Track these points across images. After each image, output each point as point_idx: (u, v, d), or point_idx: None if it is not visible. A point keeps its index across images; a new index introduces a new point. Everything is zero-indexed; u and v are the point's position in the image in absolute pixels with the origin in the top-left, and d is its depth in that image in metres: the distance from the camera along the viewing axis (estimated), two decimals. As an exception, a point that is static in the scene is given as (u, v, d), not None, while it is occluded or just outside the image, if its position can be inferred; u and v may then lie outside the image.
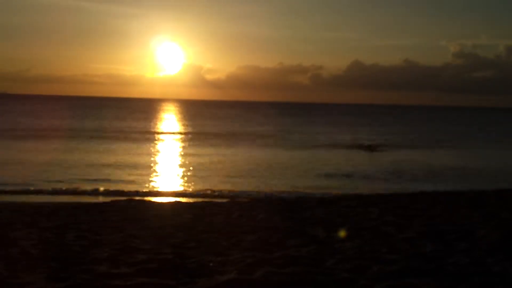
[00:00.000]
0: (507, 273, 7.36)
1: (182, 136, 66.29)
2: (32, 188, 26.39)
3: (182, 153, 46.09)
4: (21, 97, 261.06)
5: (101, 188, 27.09)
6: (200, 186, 28.41)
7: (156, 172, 34.19)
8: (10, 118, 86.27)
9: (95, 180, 29.66)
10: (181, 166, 37.31)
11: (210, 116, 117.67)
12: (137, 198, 21.85)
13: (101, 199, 22.38)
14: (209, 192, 26.68)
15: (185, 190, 27.64)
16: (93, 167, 34.49)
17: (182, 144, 54.97)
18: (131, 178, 30.95)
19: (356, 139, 53.77)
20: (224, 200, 20.26)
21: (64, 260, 8.52)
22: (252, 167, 36.13)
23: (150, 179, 31.07)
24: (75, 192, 26.05)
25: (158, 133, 71.30)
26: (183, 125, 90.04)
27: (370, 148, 41.60)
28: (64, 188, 26.96)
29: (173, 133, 71.84)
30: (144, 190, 27.16)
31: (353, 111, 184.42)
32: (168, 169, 36.14)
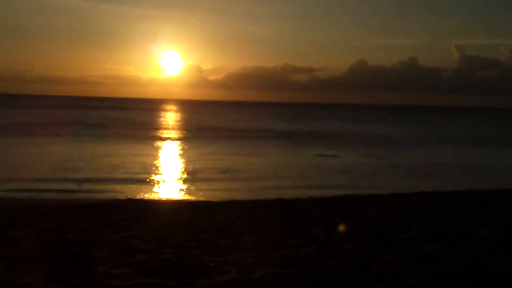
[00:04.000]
0: (507, 273, 7.36)
1: (183, 136, 66.25)
2: (32, 187, 26.38)
3: (182, 153, 46.07)
4: (22, 98, 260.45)
5: (101, 188, 27.09)
6: (200, 186, 28.39)
7: (156, 172, 34.17)
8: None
9: (95, 180, 29.65)
10: (181, 165, 37.30)
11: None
12: (137, 198, 21.84)
13: (101, 199, 22.34)
14: (209, 192, 26.66)
15: (185, 190, 27.63)
16: (93, 167, 34.48)
17: (182, 144, 54.94)
18: (131, 177, 30.93)
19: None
20: (224, 200, 20.24)
21: (64, 260, 8.51)
22: (253, 167, 36.12)
23: (151, 178, 31.05)
24: (74, 191, 26.04)
25: (158, 133, 71.28)
26: (183, 125, 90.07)
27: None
28: (63, 187, 26.95)
29: (174, 133, 71.82)
30: (144, 190, 27.15)
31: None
32: (168, 169, 36.11)
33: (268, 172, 34.00)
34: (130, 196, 22.23)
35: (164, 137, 63.18)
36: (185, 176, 32.23)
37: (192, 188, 28.18)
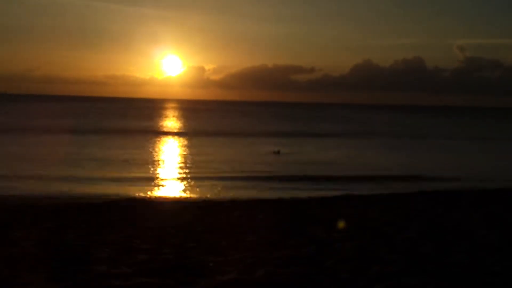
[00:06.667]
0: (507, 273, 7.36)
1: (183, 135, 66.26)
2: (31, 187, 26.37)
3: (183, 152, 46.08)
4: (23, 98, 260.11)
5: (101, 188, 27.07)
6: (200, 186, 28.39)
7: (157, 171, 34.17)
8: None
9: (95, 179, 29.64)
10: (181, 165, 37.30)
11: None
12: (137, 198, 21.82)
13: (101, 199, 22.33)
14: (209, 192, 26.65)
15: (185, 190, 27.63)
16: (93, 166, 34.48)
17: (183, 143, 54.95)
18: (132, 177, 30.93)
19: None
20: (224, 200, 20.23)
21: (64, 260, 8.51)
22: (252, 167, 36.13)
23: (151, 178, 31.05)
24: (75, 191, 26.02)
25: (159, 132, 71.28)
26: (184, 124, 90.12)
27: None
28: (64, 187, 26.94)
29: (174, 132, 71.84)
30: (144, 190, 27.14)
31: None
32: (168, 168, 36.10)
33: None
34: (130, 196, 22.22)
35: (163, 136, 63.24)
36: (184, 175, 32.24)
37: (192, 188, 28.18)
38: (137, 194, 24.67)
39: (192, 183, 29.80)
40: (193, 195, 25.78)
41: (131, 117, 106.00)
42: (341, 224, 11.74)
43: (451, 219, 12.95)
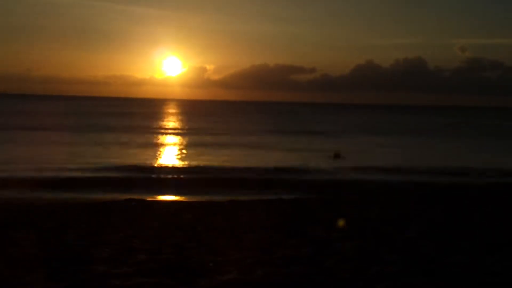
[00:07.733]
0: (507, 273, 7.36)
1: (183, 134, 66.22)
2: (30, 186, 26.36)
3: (182, 152, 46.06)
4: (23, 98, 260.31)
5: (101, 188, 27.07)
6: (200, 186, 28.38)
7: (156, 171, 34.16)
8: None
9: (95, 179, 29.63)
10: (181, 165, 37.29)
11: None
12: (137, 198, 21.81)
13: (101, 199, 22.33)
14: (209, 191, 26.65)
15: (186, 190, 27.61)
16: (93, 166, 34.47)
17: (183, 143, 54.94)
18: (131, 177, 30.92)
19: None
20: (224, 200, 20.23)
21: (64, 260, 8.51)
22: (252, 167, 36.09)
23: (150, 178, 31.04)
24: (74, 191, 26.02)
25: (159, 130, 71.25)
26: (184, 123, 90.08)
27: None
28: (62, 186, 26.93)
29: (174, 131, 71.80)
30: (144, 190, 27.13)
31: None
32: (168, 168, 36.09)
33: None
34: (130, 196, 22.22)
35: (163, 136, 63.20)
36: (185, 174, 32.24)
37: (192, 188, 28.16)
38: (137, 194, 24.67)
39: (192, 182, 29.78)
40: (193, 195, 25.77)
41: (133, 115, 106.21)
42: (341, 224, 11.75)
43: (451, 219, 12.96)
